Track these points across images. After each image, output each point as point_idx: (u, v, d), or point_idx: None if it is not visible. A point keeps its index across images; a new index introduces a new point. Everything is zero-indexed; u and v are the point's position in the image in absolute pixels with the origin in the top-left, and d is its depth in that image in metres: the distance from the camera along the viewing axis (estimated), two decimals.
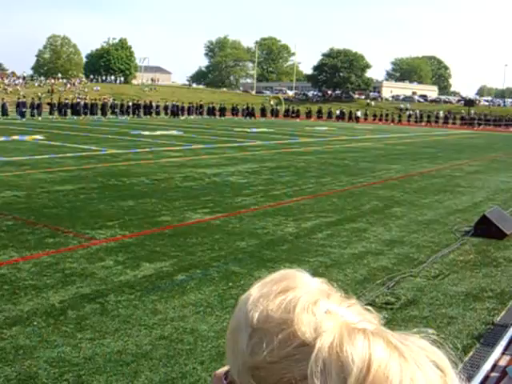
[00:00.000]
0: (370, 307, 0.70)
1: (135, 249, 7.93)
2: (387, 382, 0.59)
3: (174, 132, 33.88)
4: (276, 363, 0.63)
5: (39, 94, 64.62)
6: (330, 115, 68.65)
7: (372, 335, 0.62)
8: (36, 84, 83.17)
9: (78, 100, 53.43)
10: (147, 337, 5.09)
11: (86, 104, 51.68)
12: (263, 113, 66.52)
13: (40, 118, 44.82)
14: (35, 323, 5.32)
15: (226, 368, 0.73)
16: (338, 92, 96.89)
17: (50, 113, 47.85)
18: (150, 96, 76.35)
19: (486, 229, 9.53)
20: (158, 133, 32.49)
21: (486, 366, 4.91)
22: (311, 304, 0.66)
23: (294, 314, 0.65)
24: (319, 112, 69.76)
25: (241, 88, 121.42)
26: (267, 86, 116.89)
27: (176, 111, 57.89)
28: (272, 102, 79.51)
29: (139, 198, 11.82)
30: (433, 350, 0.64)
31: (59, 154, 19.71)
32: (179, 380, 4.38)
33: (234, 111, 63.77)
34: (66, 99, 51.80)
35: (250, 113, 63.09)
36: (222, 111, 62.44)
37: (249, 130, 38.81)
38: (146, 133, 32.20)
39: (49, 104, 48.89)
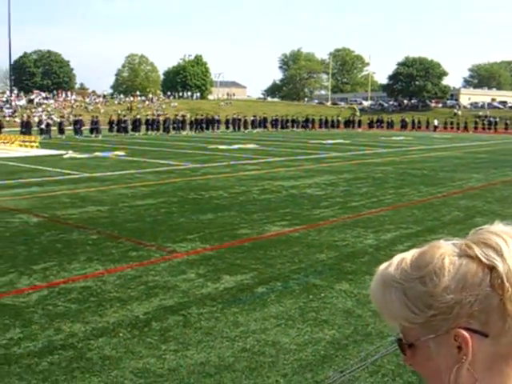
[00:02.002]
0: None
1: (216, 261, 8.02)
2: None
3: (251, 146, 34.14)
4: (457, 287, 0.91)
5: (119, 111, 66.48)
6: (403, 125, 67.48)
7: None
8: (116, 102, 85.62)
9: (138, 117, 54.32)
10: (229, 349, 5.13)
11: (148, 120, 52.77)
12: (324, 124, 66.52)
13: (122, 135, 46.50)
14: (121, 334, 5.44)
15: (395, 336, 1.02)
16: (414, 101, 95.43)
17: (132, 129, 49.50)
18: (226, 110, 77.25)
19: None
20: (235, 147, 32.83)
21: None
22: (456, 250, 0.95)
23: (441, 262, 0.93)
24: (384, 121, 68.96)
25: (315, 100, 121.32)
26: (342, 98, 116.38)
27: (238, 125, 58.24)
28: (357, 113, 79.98)
29: (218, 211, 11.97)
30: None
31: (139, 170, 20.20)
32: None
33: (295, 123, 64.10)
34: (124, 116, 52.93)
35: (307, 124, 63.57)
36: (285, 123, 62.88)
37: (324, 142, 38.70)
38: (223, 147, 32.60)
39: (109, 122, 50.45)
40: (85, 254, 8.42)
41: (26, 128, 43.35)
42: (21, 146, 33.48)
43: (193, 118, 56.97)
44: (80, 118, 48.92)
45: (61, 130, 44.88)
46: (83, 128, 46.61)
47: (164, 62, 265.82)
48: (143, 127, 51.39)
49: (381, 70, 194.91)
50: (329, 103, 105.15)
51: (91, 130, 45.81)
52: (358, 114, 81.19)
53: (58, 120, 49.05)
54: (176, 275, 7.35)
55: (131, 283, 7.02)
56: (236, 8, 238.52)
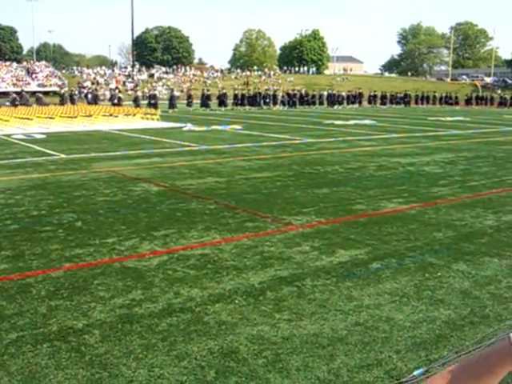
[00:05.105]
0: None
1: (330, 235, 8.03)
2: None
3: (367, 121, 33.70)
4: None
5: (235, 85, 67.39)
6: None
7: None
8: (233, 77, 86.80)
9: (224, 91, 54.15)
10: (343, 322, 5.15)
11: (236, 95, 52.76)
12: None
13: (239, 109, 47.13)
14: (236, 301, 5.58)
15: None
16: None
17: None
18: (342, 86, 76.57)
19: None
20: (351, 122, 32.53)
21: None
22: None
23: None
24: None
25: (427, 76, 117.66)
26: (463, 73, 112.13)
27: (332, 100, 57.40)
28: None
29: (333, 186, 11.95)
30: None
31: (256, 143, 20.47)
32: (374, 367, 4.37)
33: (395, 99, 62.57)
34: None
35: (406, 101, 61.89)
36: (383, 99, 61.68)
37: (443, 119, 37.59)
38: (339, 122, 32.38)
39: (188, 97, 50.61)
40: (203, 223, 8.68)
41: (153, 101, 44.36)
42: (142, 118, 34.69)
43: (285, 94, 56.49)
44: (224, 91, 50.25)
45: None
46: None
47: (281, 36, 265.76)
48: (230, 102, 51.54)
49: (505, 45, 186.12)
50: (448, 79, 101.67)
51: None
52: (479, 90, 78.02)
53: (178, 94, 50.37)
54: (291, 247, 7.44)
55: (247, 253, 7.17)
56: None
